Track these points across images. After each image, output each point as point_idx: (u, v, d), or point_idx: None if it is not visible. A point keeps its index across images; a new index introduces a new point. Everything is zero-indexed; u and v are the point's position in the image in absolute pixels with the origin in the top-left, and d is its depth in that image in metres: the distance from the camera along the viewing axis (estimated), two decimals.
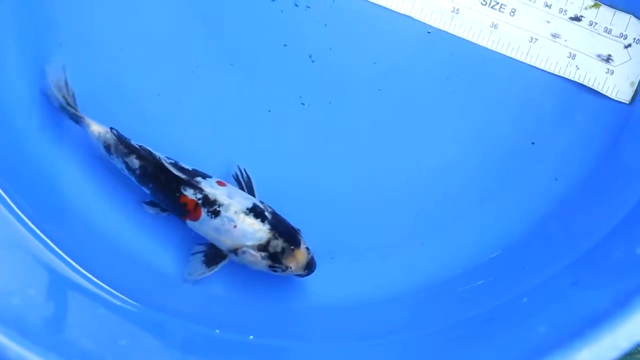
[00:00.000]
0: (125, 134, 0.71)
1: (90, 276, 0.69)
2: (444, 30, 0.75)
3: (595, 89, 0.74)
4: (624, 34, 0.75)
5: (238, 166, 0.71)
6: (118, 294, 0.68)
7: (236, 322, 0.69)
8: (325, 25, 0.75)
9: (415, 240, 0.72)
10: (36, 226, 0.70)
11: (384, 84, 0.75)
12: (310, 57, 0.75)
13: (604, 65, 0.75)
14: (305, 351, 0.69)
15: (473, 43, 0.75)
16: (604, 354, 0.54)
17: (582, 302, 0.61)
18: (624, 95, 0.74)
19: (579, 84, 0.75)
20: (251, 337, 0.68)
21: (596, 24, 0.75)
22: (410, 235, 0.73)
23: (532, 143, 0.74)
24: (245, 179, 0.71)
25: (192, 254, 0.69)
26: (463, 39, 0.75)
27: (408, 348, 0.67)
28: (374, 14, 0.75)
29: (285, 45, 0.75)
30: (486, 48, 0.75)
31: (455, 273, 0.72)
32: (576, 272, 0.67)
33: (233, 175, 0.71)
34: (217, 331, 0.68)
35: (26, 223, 0.70)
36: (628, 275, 0.61)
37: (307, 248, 0.67)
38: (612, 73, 0.74)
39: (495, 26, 0.75)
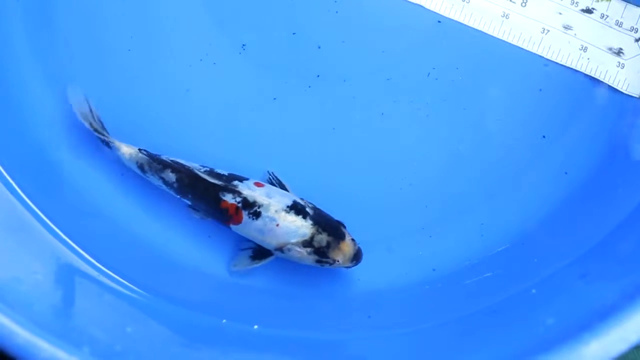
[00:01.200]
0: (134, 122, 0.72)
1: (97, 264, 0.69)
2: (454, 20, 0.75)
3: (606, 82, 0.74)
4: (634, 27, 0.75)
5: (267, 171, 0.71)
6: (125, 281, 0.68)
7: (243, 312, 0.69)
8: (336, 13, 0.75)
9: (423, 232, 0.72)
10: (43, 213, 0.70)
11: (393, 74, 0.75)
12: (319, 47, 0.75)
13: (615, 59, 0.74)
14: (309, 341, 0.69)
15: (484, 33, 0.75)
16: (613, 347, 0.53)
17: (591, 294, 0.61)
18: (635, 89, 0.74)
19: (590, 76, 0.74)
20: (256, 326, 0.68)
21: (607, 16, 0.75)
22: (418, 227, 0.73)
23: (543, 136, 0.74)
24: (277, 183, 0.71)
25: (241, 250, 0.70)
26: (474, 28, 0.75)
27: (415, 340, 0.67)
28: (384, 2, 0.75)
29: (294, 33, 0.75)
30: (497, 38, 0.75)
31: (463, 265, 0.71)
32: (585, 265, 0.67)
33: (266, 182, 0.71)
34: (224, 321, 0.68)
35: (33, 210, 0.70)
36: (636, 268, 0.61)
37: (352, 239, 0.67)
38: (623, 66, 0.74)
39: (506, 16, 0.75)
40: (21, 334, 0.54)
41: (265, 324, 0.68)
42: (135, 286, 0.68)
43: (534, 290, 0.66)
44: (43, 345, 0.54)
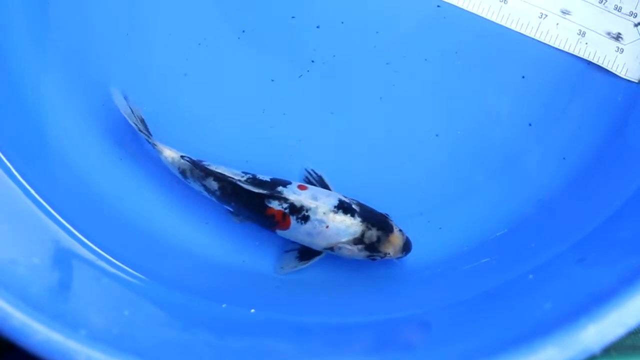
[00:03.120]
0: (134, 105, 0.72)
1: (94, 247, 0.68)
2: (453, 5, 0.75)
3: (605, 67, 0.74)
4: (634, 12, 0.75)
5: (306, 169, 0.71)
6: (122, 265, 0.68)
7: (241, 295, 0.69)
8: None
9: (421, 217, 0.72)
10: (40, 195, 0.70)
11: (392, 58, 0.75)
12: (317, 27, 0.75)
13: (614, 44, 0.74)
14: (302, 325, 0.68)
15: (482, 18, 0.75)
16: (610, 331, 0.53)
17: (589, 279, 0.61)
18: (633, 74, 0.74)
19: (588, 61, 0.74)
20: (252, 310, 0.68)
21: (606, 1, 0.75)
22: (416, 212, 0.72)
23: (540, 121, 0.74)
24: (317, 179, 0.71)
25: (286, 251, 0.70)
26: (472, 13, 0.75)
27: (412, 325, 0.67)
28: None
29: (293, 17, 0.75)
30: (495, 23, 0.75)
31: (461, 251, 0.71)
32: (583, 249, 0.66)
33: (304, 179, 0.71)
34: (224, 305, 0.68)
35: (30, 193, 0.69)
36: (634, 253, 0.61)
37: (400, 230, 0.68)
38: (622, 51, 0.74)
39: (504, 1, 0.75)
40: (17, 316, 0.54)
41: (263, 307, 0.68)
42: (133, 269, 0.68)
43: (531, 276, 0.66)
44: (39, 327, 0.54)
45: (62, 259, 0.66)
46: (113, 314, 0.62)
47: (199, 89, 0.74)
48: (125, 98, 0.70)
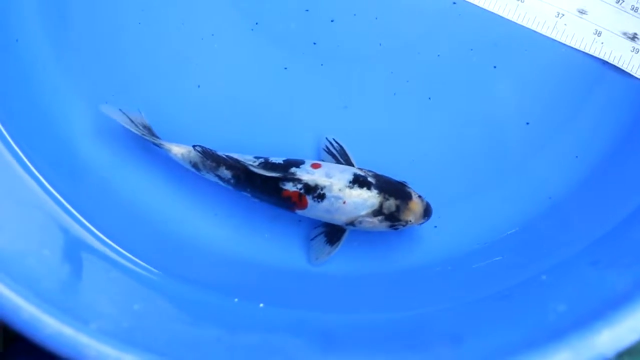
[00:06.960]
0: (143, 94, 0.72)
1: (105, 238, 0.68)
2: (469, 2, 0.74)
3: (620, 67, 0.74)
4: None
5: (327, 138, 0.71)
6: (133, 257, 0.68)
7: (253, 290, 0.69)
8: None
9: (432, 214, 0.72)
10: (52, 186, 0.69)
11: (406, 53, 0.74)
12: (332, 20, 0.74)
13: (630, 44, 0.74)
14: (314, 321, 0.68)
15: (498, 16, 0.74)
16: (625, 337, 0.53)
17: (602, 282, 0.61)
18: None
19: (604, 61, 0.74)
20: (261, 305, 0.68)
21: (623, 1, 0.74)
22: None
23: (553, 119, 0.73)
24: (338, 149, 0.71)
25: (311, 239, 0.70)
26: (488, 11, 0.74)
27: (422, 323, 0.67)
28: None
29: (307, 10, 0.74)
30: (511, 21, 0.74)
31: (472, 248, 0.71)
32: (596, 252, 0.66)
33: (324, 149, 0.71)
34: (236, 300, 0.67)
35: (42, 183, 0.69)
36: None
37: (419, 196, 0.67)
38: (638, 52, 0.73)
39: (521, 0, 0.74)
40: (27, 309, 0.54)
41: (271, 303, 0.68)
42: (143, 262, 0.68)
43: (544, 277, 0.66)
44: (49, 321, 0.53)
45: (73, 251, 0.66)
46: (123, 308, 0.62)
47: (211, 79, 0.74)
48: (121, 110, 0.70)
